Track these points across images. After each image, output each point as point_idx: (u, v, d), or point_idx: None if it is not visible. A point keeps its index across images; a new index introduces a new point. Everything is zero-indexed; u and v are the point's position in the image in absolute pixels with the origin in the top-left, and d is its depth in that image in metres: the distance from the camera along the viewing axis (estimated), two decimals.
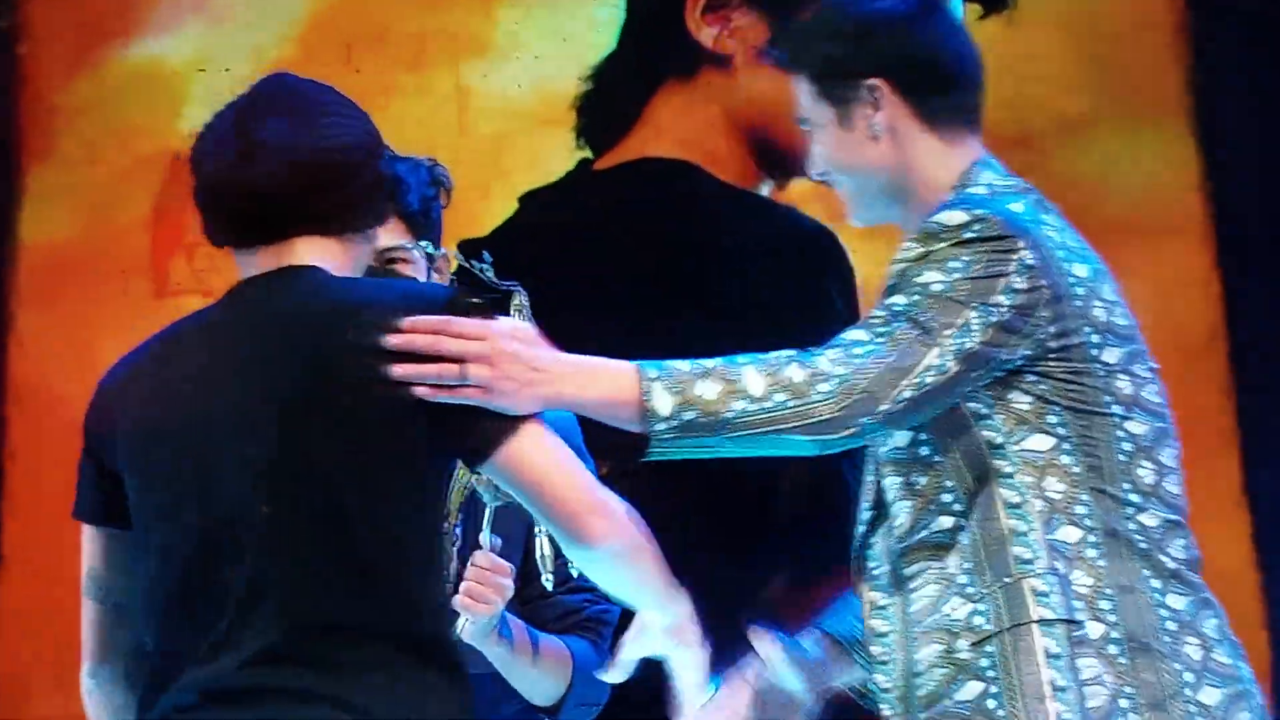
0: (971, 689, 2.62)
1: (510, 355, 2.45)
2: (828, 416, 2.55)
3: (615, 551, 2.44)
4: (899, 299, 2.61)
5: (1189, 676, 2.60)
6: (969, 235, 2.61)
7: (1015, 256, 2.62)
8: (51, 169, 4.81)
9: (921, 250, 2.61)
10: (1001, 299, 2.60)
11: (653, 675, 2.60)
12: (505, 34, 4.59)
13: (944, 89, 2.79)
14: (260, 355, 2.42)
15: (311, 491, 2.38)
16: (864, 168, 2.77)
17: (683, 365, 2.55)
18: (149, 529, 2.46)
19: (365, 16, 4.70)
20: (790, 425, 2.55)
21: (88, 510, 2.56)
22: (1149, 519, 2.67)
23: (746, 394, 2.53)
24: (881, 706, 2.73)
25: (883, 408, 2.57)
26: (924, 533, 2.69)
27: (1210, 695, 2.59)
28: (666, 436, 2.54)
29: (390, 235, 3.05)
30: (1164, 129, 4.04)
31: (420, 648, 2.38)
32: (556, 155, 4.51)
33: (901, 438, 2.69)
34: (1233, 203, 3.92)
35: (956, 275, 2.59)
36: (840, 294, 4.11)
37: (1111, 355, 2.68)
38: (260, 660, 2.35)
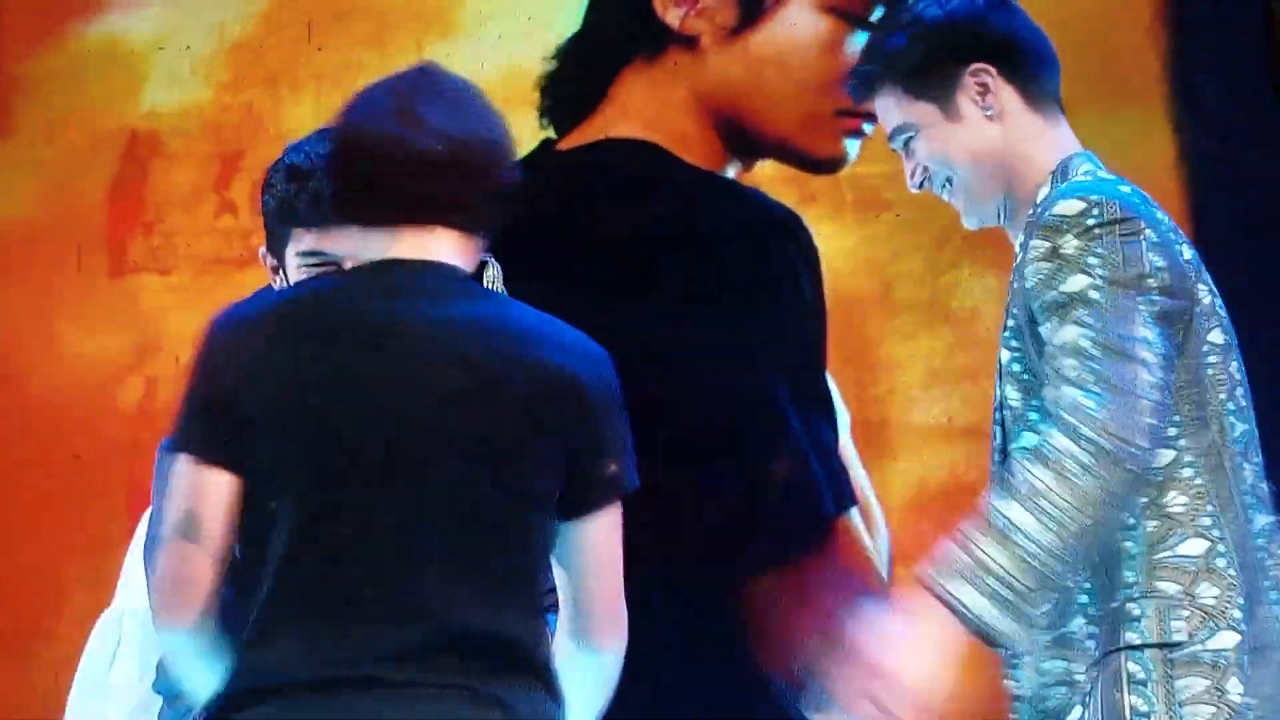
0: (1077, 713, 2.62)
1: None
2: (1109, 491, 2.51)
3: (612, 663, 2.57)
4: (1069, 333, 2.56)
5: None
6: (1090, 222, 2.61)
7: (1142, 237, 2.62)
8: (10, 145, 4.79)
9: (1048, 246, 2.61)
10: (1151, 282, 2.60)
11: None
12: (469, 13, 4.57)
13: (1040, 68, 2.83)
14: (449, 361, 2.48)
15: (483, 507, 2.48)
16: (978, 155, 2.78)
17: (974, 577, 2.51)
18: (286, 493, 2.46)
19: None
20: (1091, 520, 2.51)
21: (200, 444, 2.48)
22: (1261, 520, 2.67)
23: (1025, 532, 2.50)
24: (1014, 712, 2.71)
25: (1141, 447, 2.53)
26: None
27: None
28: (1034, 612, 2.52)
29: None
30: (1141, 114, 4.05)
31: (538, 665, 2.49)
32: (520, 135, 4.38)
33: (1029, 439, 2.65)
34: (1208, 188, 3.94)
35: (1100, 274, 2.58)
36: (806, 277, 4.10)
37: (1217, 336, 2.68)
38: (425, 654, 2.43)
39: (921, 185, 2.86)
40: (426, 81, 2.61)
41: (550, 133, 4.49)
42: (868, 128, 4.22)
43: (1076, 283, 2.59)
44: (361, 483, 2.46)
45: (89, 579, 4.25)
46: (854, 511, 4.11)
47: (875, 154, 4.18)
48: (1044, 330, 2.61)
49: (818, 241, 4.15)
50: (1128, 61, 4.11)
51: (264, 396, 2.47)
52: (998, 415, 2.76)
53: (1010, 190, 2.79)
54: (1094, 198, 2.64)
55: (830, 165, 4.25)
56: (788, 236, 4.13)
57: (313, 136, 3.15)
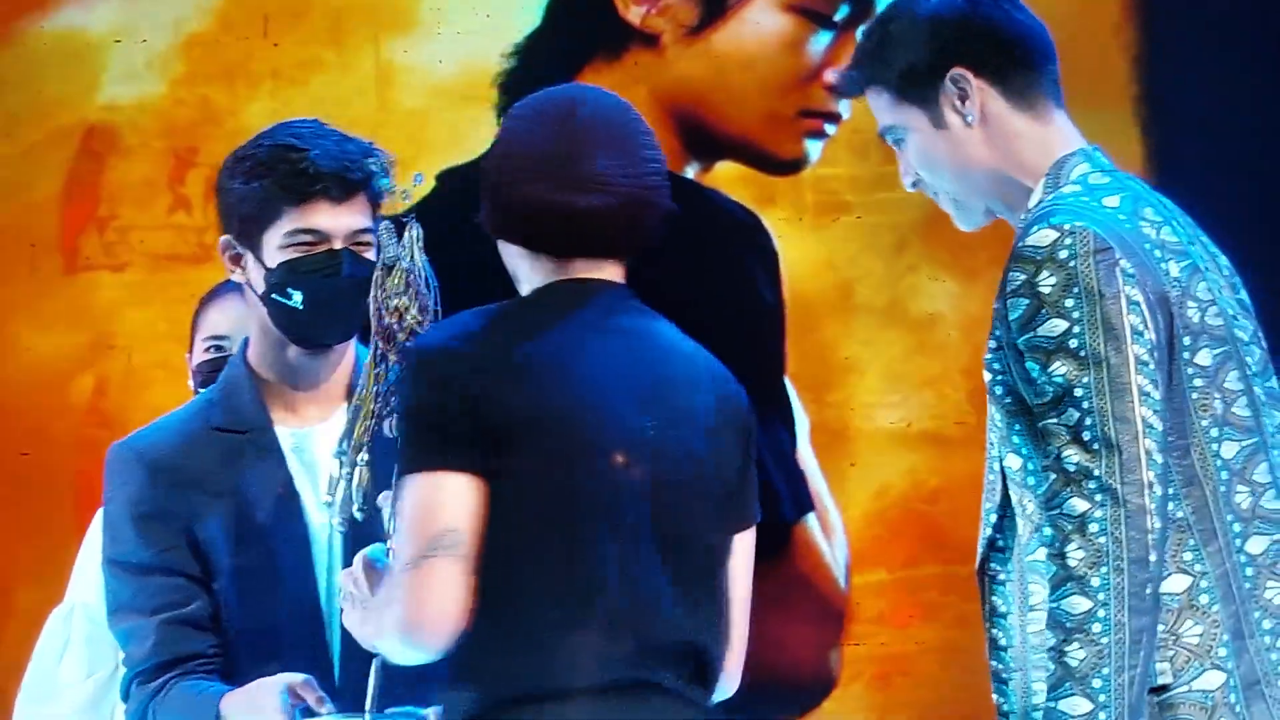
0: (1080, 706, 2.59)
1: None
2: (1140, 545, 2.53)
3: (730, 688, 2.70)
4: (1069, 415, 2.55)
5: None
6: (1063, 255, 2.58)
7: (1117, 269, 2.59)
8: None
9: (1023, 279, 2.58)
10: (1134, 319, 2.58)
11: None
12: (427, 9, 4.57)
13: (1022, 63, 2.76)
14: (676, 389, 2.63)
15: (714, 526, 2.65)
16: (965, 162, 2.75)
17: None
18: (540, 505, 2.55)
19: None
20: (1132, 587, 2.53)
21: (453, 458, 2.53)
22: (1254, 545, 2.63)
23: (1084, 621, 2.52)
24: None
25: (1152, 561, 2.54)
26: (1033, 558, 2.65)
27: None
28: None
29: (358, 216, 3.07)
30: (1109, 116, 4.07)
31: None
32: (478, 132, 4.47)
33: (1014, 460, 2.65)
34: (1175, 192, 3.95)
35: (1078, 319, 2.57)
36: (765, 280, 4.11)
37: (1204, 358, 2.64)
38: (680, 663, 2.59)
39: (915, 185, 2.83)
40: (620, 112, 2.68)
41: None
42: (830, 129, 4.24)
43: (1056, 327, 2.58)
44: (623, 494, 2.57)
45: (37, 577, 4.25)
46: (812, 518, 4.13)
47: (836, 156, 4.20)
48: (1031, 370, 2.60)
49: (777, 244, 4.17)
50: (1095, 63, 4.13)
51: (514, 407, 2.54)
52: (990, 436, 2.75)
53: (1000, 197, 2.77)
54: (1068, 226, 2.61)
55: (791, 166, 4.26)
56: (747, 238, 4.13)
57: (276, 128, 3.14)
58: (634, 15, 4.41)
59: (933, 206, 3.00)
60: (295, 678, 3.01)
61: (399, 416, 2.61)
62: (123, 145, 4.67)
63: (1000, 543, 2.71)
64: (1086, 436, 2.53)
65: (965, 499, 4.21)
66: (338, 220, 3.10)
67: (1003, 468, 2.66)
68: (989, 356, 2.67)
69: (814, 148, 4.25)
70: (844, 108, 4.30)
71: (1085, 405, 2.53)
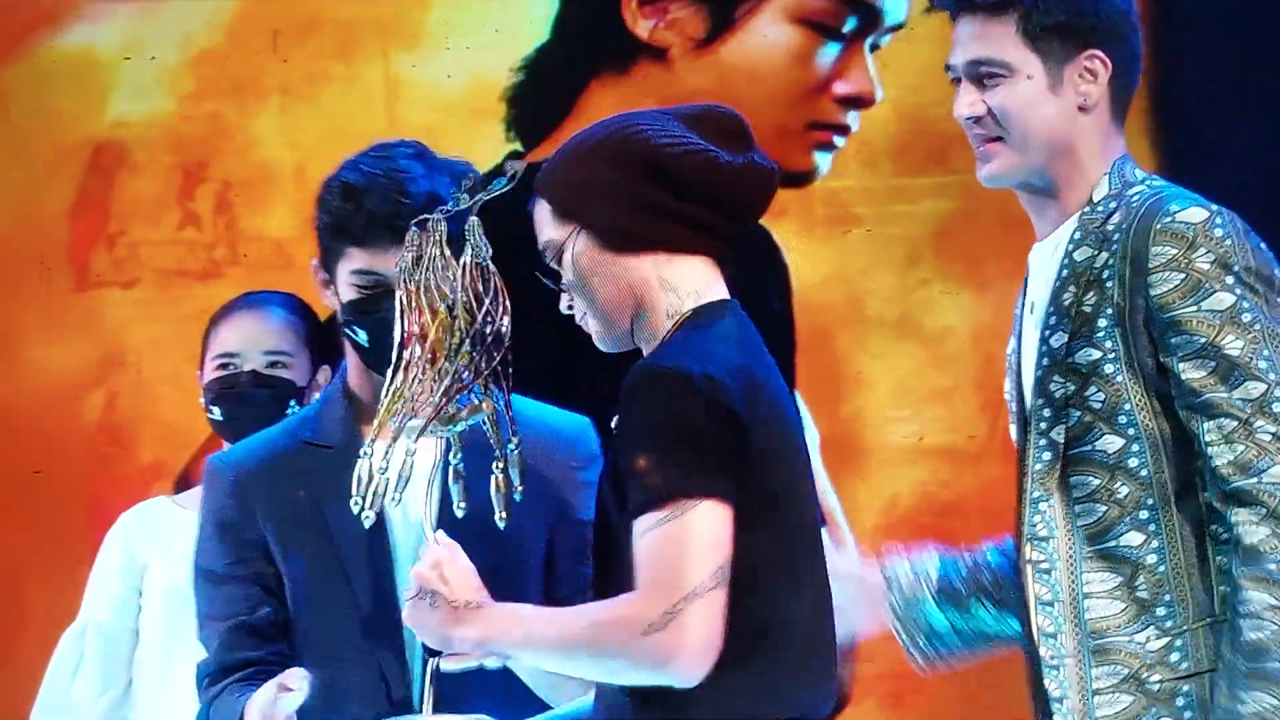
0: None
1: None
2: None
3: None
4: (1254, 388, 2.60)
5: None
6: (1219, 233, 2.69)
7: (1263, 246, 2.72)
8: None
9: (1174, 253, 2.64)
10: None
11: None
12: (437, 23, 4.58)
13: (1135, 80, 2.85)
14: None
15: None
16: (1052, 134, 2.79)
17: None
18: (778, 538, 2.60)
19: (294, 5, 4.70)
20: None
21: (726, 490, 2.55)
22: None
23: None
24: (1056, 715, 2.71)
25: None
26: (1111, 543, 2.68)
27: None
28: None
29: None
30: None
31: None
32: (487, 147, 4.49)
33: (1114, 441, 2.69)
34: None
35: (1242, 294, 2.62)
36: (775, 292, 4.12)
37: None
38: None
39: (974, 120, 2.82)
40: (726, 123, 2.70)
41: (517, 145, 4.51)
42: (839, 141, 4.24)
43: (1223, 301, 2.63)
44: (806, 522, 2.66)
45: (50, 594, 4.24)
46: (822, 532, 4.14)
47: (846, 168, 4.21)
48: (1192, 343, 2.63)
49: (787, 257, 4.18)
50: None
51: (764, 434, 2.56)
52: (1031, 406, 2.76)
53: (1057, 175, 2.80)
54: (1215, 206, 2.69)
55: (801, 179, 4.25)
56: (759, 250, 4.12)
57: (369, 153, 3.14)
58: (642, 29, 4.42)
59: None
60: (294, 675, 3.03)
61: (649, 436, 2.57)
62: (132, 161, 4.69)
63: (1043, 532, 2.73)
64: (1279, 408, 2.58)
65: (977, 513, 4.21)
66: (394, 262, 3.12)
67: (1081, 453, 2.68)
68: (1098, 334, 2.69)
69: (823, 160, 4.25)
70: (853, 120, 4.30)
71: (1273, 375, 2.59)
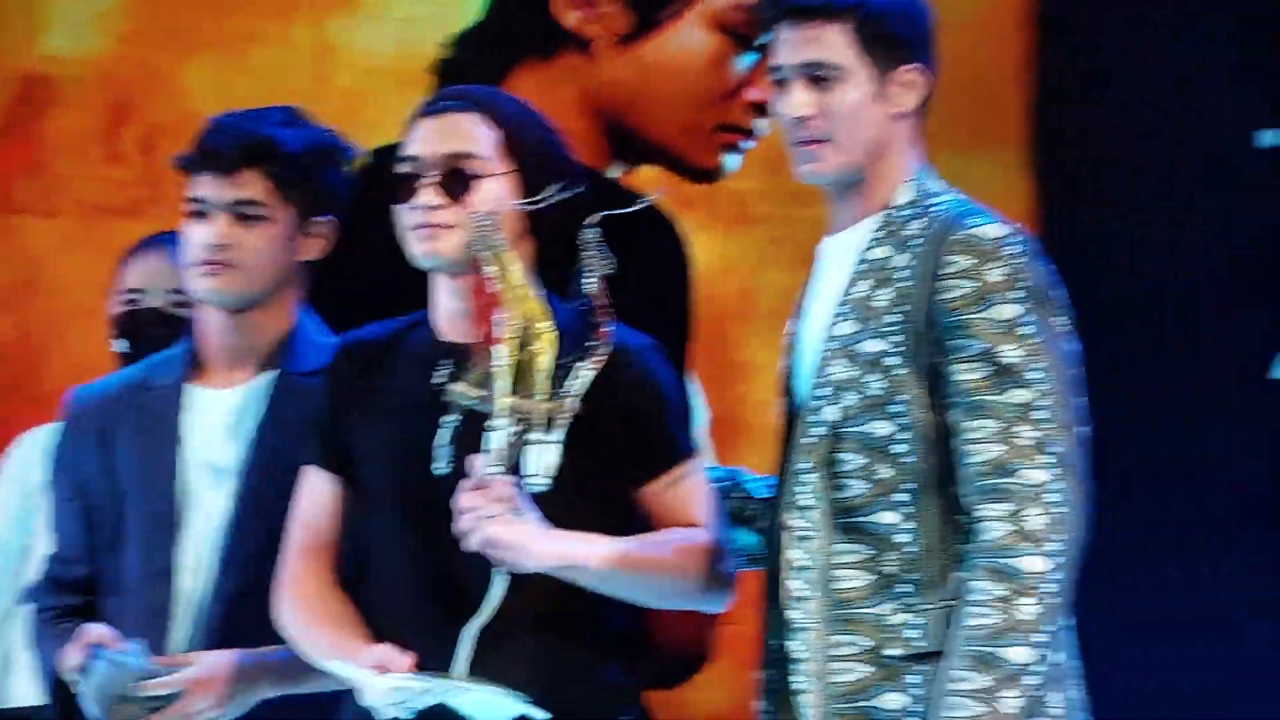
0: (895, 700, 2.75)
1: None
2: (1080, 520, 2.74)
3: None
4: (1021, 395, 2.72)
5: None
6: (1012, 250, 2.78)
7: (1046, 271, 2.82)
8: None
9: (969, 264, 2.76)
10: (1063, 320, 2.80)
11: None
12: None
13: (931, 95, 2.96)
14: None
15: None
16: (874, 138, 2.89)
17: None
18: None
19: None
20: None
21: None
22: None
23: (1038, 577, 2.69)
24: (794, 676, 2.83)
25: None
26: (866, 519, 2.80)
27: None
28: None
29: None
30: (1003, 154, 4.18)
31: None
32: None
33: (883, 426, 2.81)
34: (1061, 233, 4.07)
35: (1027, 309, 2.75)
36: (681, 282, 4.19)
37: None
38: None
39: (801, 120, 2.91)
40: None
41: None
42: (745, 144, 4.31)
43: (1004, 312, 2.76)
44: None
45: None
46: None
47: (750, 170, 4.29)
48: (969, 347, 2.75)
49: (691, 249, 4.26)
50: (994, 104, 4.22)
51: None
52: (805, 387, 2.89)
53: (866, 176, 2.91)
54: (1011, 225, 2.82)
55: (708, 176, 4.33)
56: (668, 241, 4.20)
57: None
58: (570, 19, 4.48)
59: None
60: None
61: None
62: (61, 96, 4.70)
63: (804, 502, 2.86)
64: (1041, 415, 2.72)
65: None
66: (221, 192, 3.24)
67: (850, 433, 2.81)
68: (886, 328, 2.81)
69: (731, 161, 4.34)
70: (761, 126, 4.37)
71: (1041, 388, 2.72)
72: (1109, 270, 4.10)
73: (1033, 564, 2.68)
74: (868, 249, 2.87)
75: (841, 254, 2.91)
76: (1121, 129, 4.25)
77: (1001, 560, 2.69)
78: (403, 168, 2.94)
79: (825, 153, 2.88)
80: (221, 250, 3.22)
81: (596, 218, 2.85)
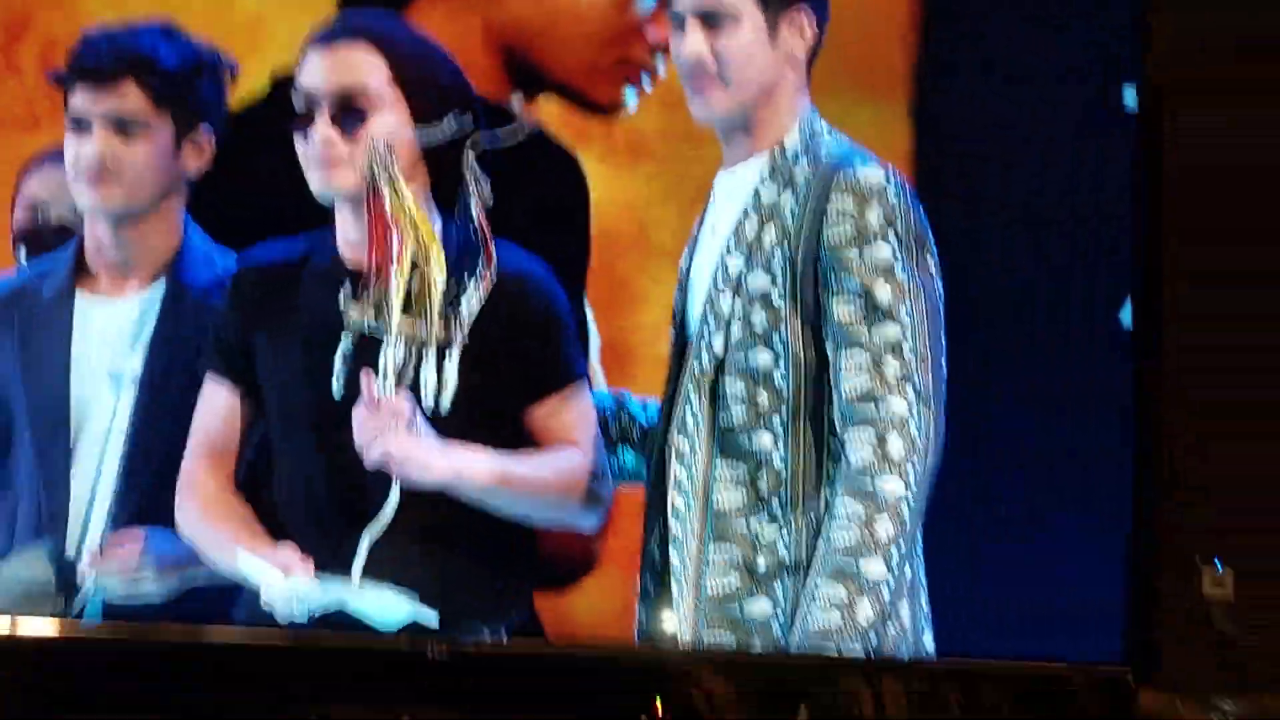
0: (762, 607, 2.87)
1: None
2: (936, 449, 2.89)
3: None
4: (891, 331, 2.82)
5: None
6: (891, 193, 2.87)
7: (922, 213, 2.91)
8: None
9: (851, 207, 2.84)
10: (933, 261, 2.90)
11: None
12: None
13: (822, 41, 3.03)
14: None
15: None
16: (766, 80, 2.97)
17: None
18: None
19: None
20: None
21: None
22: None
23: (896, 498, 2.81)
24: (671, 583, 2.94)
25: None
26: (745, 440, 2.91)
27: None
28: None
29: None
30: (885, 108, 4.25)
31: None
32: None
33: (763, 356, 2.91)
34: (934, 182, 4.15)
35: (902, 252, 2.84)
36: (577, 210, 4.25)
37: None
38: None
39: (698, 62, 2.99)
40: None
41: None
42: (646, 83, 4.36)
43: (881, 252, 2.87)
44: None
45: None
46: None
47: (649, 108, 4.33)
48: (847, 284, 2.85)
49: (589, 180, 4.31)
50: (881, 60, 4.29)
51: None
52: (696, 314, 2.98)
53: (757, 117, 3.00)
54: (890, 170, 2.93)
55: (607, 111, 4.38)
56: (568, 175, 4.26)
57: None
58: None
59: None
60: None
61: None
62: None
63: (689, 424, 2.98)
64: (907, 351, 2.84)
65: None
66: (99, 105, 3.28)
67: (734, 362, 2.92)
68: (772, 266, 2.91)
69: (631, 97, 4.38)
70: (660, 66, 4.39)
71: (909, 326, 2.84)
72: (977, 220, 4.18)
73: (892, 487, 2.81)
74: (757, 188, 2.96)
75: (733, 190, 3.01)
76: (995, 88, 4.31)
77: (863, 482, 2.81)
78: (297, 100, 3.00)
79: (717, 93, 2.97)
80: (102, 162, 3.25)
81: (480, 145, 2.92)
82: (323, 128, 2.96)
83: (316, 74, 3.00)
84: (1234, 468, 3.97)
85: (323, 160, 2.97)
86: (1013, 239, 4.14)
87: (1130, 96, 4.16)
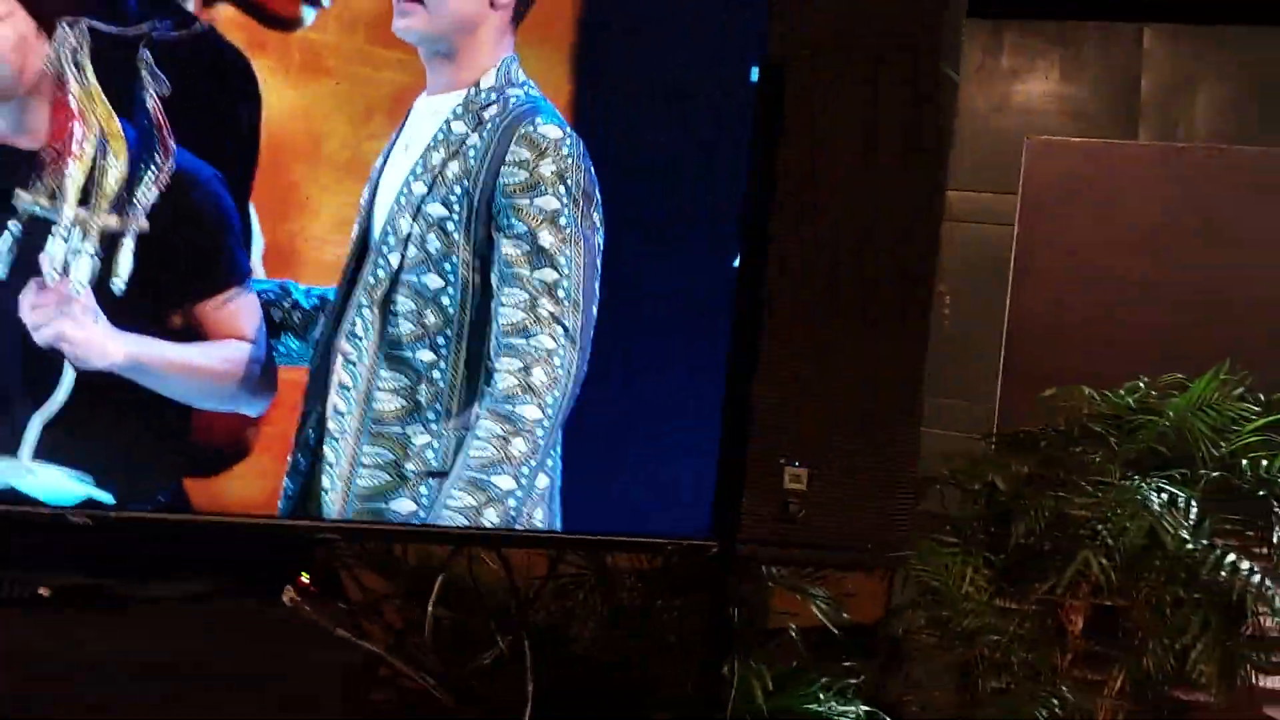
0: (405, 505, 3.07)
1: None
2: (574, 383, 3.00)
3: None
4: (549, 275, 2.97)
5: None
6: (565, 150, 3.02)
7: (592, 172, 3.05)
8: None
9: (526, 156, 2.99)
10: (598, 217, 3.05)
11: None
12: None
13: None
14: None
15: None
16: (465, 14, 3.13)
17: None
18: None
19: None
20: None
21: None
22: None
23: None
24: (323, 474, 3.09)
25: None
26: (409, 354, 3.08)
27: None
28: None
29: None
30: (549, 54, 4.30)
31: None
32: None
33: (434, 280, 3.07)
34: (591, 134, 4.30)
35: (567, 203, 2.99)
36: (247, 113, 4.28)
37: None
38: None
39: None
40: None
41: None
42: (325, 1, 4.40)
43: (550, 203, 3.06)
44: None
45: None
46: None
47: (326, 25, 4.40)
48: (515, 227, 3.04)
49: (262, 89, 4.34)
50: (546, 10, 4.25)
51: None
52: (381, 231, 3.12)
53: (457, 49, 3.15)
54: (568, 128, 3.11)
55: (284, 24, 4.40)
56: (237, 75, 4.29)
57: None
58: None
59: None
60: None
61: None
62: None
63: (359, 332, 3.16)
64: (561, 295, 3.06)
65: None
66: None
67: (407, 280, 3.10)
68: (451, 198, 3.09)
69: (309, 13, 4.43)
70: None
71: (566, 271, 3.06)
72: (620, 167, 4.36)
73: (530, 412, 3.05)
74: (449, 122, 3.14)
75: (429, 117, 3.18)
76: (647, 45, 4.38)
77: (506, 406, 3.09)
78: None
79: (415, 12, 3.16)
80: None
81: (148, 40, 2.96)
82: None
83: None
84: (815, 387, 4.29)
85: None
86: (649, 182, 4.33)
87: (754, 72, 4.37)
